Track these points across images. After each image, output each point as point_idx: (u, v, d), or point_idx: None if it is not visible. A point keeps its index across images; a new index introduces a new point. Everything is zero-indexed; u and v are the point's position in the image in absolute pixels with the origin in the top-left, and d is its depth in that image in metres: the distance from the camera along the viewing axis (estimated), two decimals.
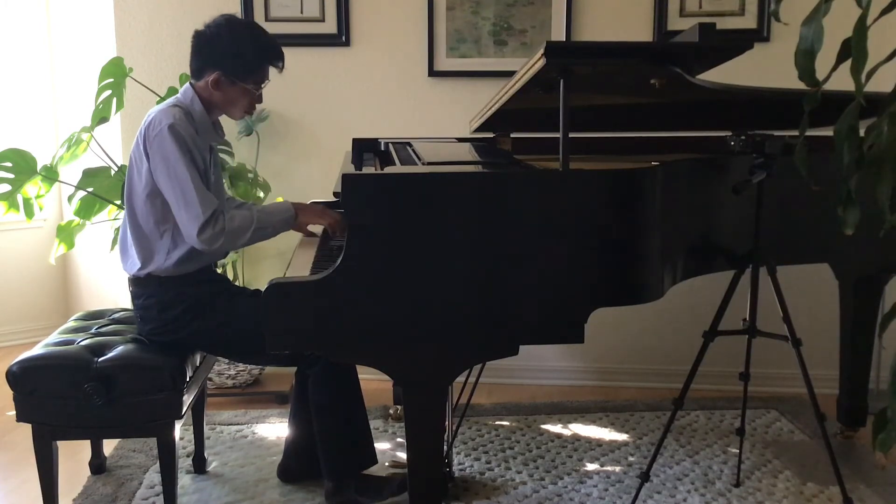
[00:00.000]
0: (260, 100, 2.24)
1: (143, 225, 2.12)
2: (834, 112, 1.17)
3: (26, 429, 2.04)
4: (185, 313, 2.12)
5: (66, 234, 3.14)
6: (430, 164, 1.94)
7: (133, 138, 3.39)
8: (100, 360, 2.04)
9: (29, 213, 3.06)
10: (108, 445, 2.68)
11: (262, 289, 1.69)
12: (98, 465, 2.53)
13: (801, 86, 1.14)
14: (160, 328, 2.14)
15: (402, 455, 2.59)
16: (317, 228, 2.48)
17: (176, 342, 2.14)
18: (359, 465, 2.27)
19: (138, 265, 2.14)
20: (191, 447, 2.60)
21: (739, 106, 2.31)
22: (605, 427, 2.92)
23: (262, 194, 3.21)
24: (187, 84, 2.20)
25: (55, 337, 2.22)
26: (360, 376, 2.28)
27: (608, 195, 1.75)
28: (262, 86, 2.21)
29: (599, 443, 2.77)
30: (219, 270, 2.61)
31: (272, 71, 2.21)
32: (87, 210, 3.06)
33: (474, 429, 2.88)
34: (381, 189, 1.68)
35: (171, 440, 2.06)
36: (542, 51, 1.66)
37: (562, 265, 1.71)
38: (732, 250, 2.17)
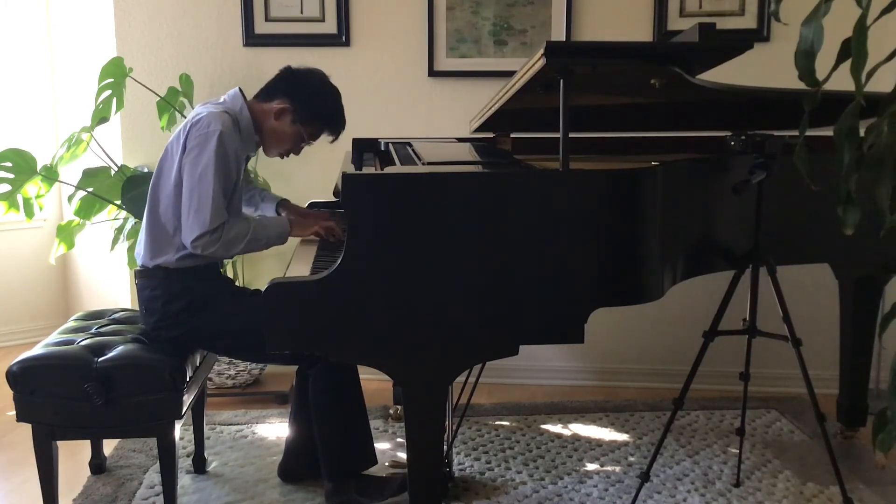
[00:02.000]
0: (298, 151, 2.32)
1: (162, 215, 2.14)
2: (834, 112, 1.17)
3: (26, 429, 2.04)
4: (189, 307, 2.13)
5: (66, 234, 3.15)
6: (430, 164, 1.94)
7: (133, 138, 3.41)
8: (100, 360, 2.04)
9: (29, 213, 3.06)
10: (108, 445, 2.68)
11: (262, 289, 1.69)
12: (98, 465, 2.53)
13: (801, 86, 1.14)
14: (164, 321, 2.15)
15: (402, 455, 2.59)
16: None
17: (177, 339, 2.15)
18: (359, 466, 2.27)
19: (149, 256, 2.16)
20: (191, 447, 2.60)
21: (739, 106, 2.31)
22: (605, 427, 2.92)
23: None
24: (236, 91, 2.23)
25: (55, 337, 2.21)
26: (360, 376, 2.28)
27: (608, 195, 1.75)
28: (311, 142, 2.29)
29: (599, 443, 2.77)
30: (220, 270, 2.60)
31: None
32: (87, 210, 3.07)
33: (474, 429, 2.88)
34: (381, 189, 1.68)
35: (171, 440, 2.06)
36: (542, 51, 1.66)
37: (562, 265, 1.71)
38: (732, 250, 2.17)
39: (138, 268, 2.21)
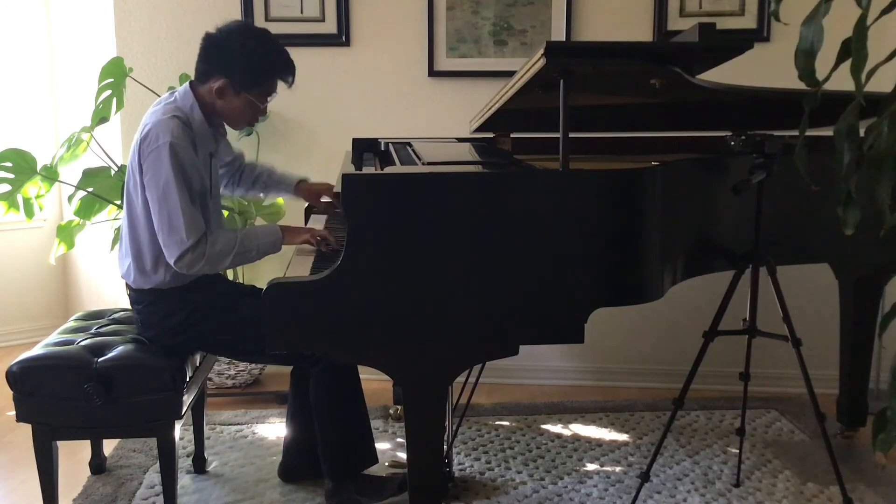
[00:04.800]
0: (264, 113, 2.18)
1: (142, 239, 2.08)
2: (834, 112, 1.17)
3: (26, 429, 2.04)
4: (188, 319, 2.11)
5: (66, 234, 3.15)
6: (430, 164, 1.94)
7: (133, 138, 3.40)
8: (100, 360, 2.04)
9: (29, 213, 3.06)
10: (108, 445, 2.68)
11: (262, 287, 1.69)
12: (98, 465, 2.53)
13: (801, 86, 1.14)
14: (162, 334, 2.13)
15: (402, 455, 2.59)
16: (321, 218, 2.48)
17: (177, 344, 2.14)
18: (359, 465, 2.27)
19: (140, 280, 2.11)
20: (191, 447, 2.60)
21: (739, 106, 2.31)
22: (605, 427, 2.91)
23: (262, 194, 3.20)
24: (187, 86, 2.13)
25: (55, 337, 2.21)
26: (360, 376, 2.28)
27: (608, 195, 1.75)
28: (269, 99, 2.15)
29: (599, 443, 2.77)
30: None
31: (281, 85, 2.14)
32: (87, 210, 3.06)
33: (474, 429, 2.88)
34: (381, 189, 1.68)
35: (171, 440, 2.06)
36: (542, 51, 1.66)
37: (562, 265, 1.71)
38: (732, 250, 2.17)
39: (130, 285, 2.16)
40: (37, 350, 2.11)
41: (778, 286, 2.10)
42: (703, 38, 1.80)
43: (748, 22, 3.17)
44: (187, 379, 2.10)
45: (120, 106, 3.05)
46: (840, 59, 1.06)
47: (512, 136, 2.77)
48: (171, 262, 1.99)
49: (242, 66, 2.06)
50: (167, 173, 1.96)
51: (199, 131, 2.10)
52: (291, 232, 2.15)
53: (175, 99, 2.12)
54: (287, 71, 2.13)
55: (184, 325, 2.12)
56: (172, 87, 3.07)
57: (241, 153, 2.50)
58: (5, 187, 2.98)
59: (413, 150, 2.35)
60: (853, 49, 1.02)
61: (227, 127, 2.26)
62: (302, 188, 2.48)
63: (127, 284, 2.18)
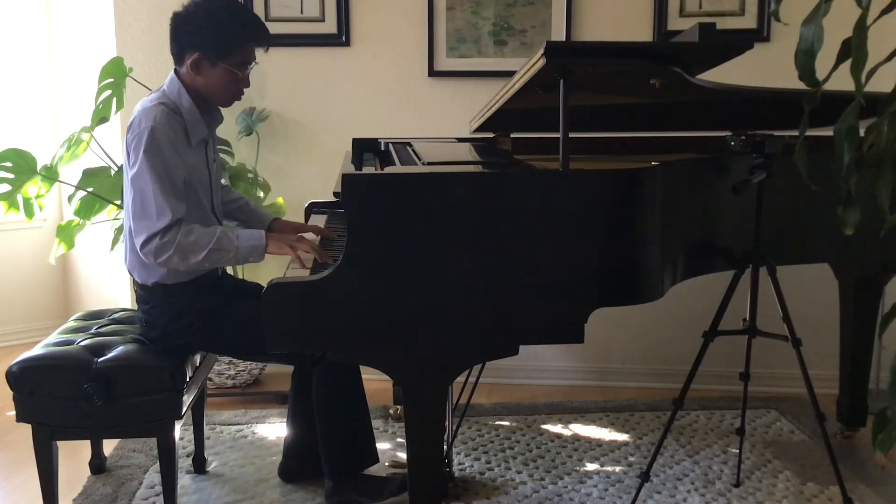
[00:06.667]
0: (247, 83, 2.12)
1: None
2: (834, 112, 1.17)
3: (26, 429, 2.04)
4: (193, 323, 2.11)
5: (66, 234, 3.15)
6: (430, 164, 1.93)
7: None
8: (100, 360, 2.04)
9: (29, 213, 3.06)
10: (108, 445, 2.68)
11: (263, 287, 1.69)
12: (98, 465, 2.53)
13: (801, 86, 1.14)
14: (166, 335, 2.13)
15: (402, 455, 2.59)
16: (321, 218, 2.47)
17: (180, 345, 2.13)
18: (360, 465, 2.27)
19: (144, 275, 2.11)
20: (191, 447, 2.60)
21: (739, 106, 2.31)
22: (605, 427, 2.91)
23: (262, 194, 3.21)
24: (172, 73, 2.10)
25: (55, 337, 2.21)
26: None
27: (608, 195, 1.75)
28: (249, 68, 2.10)
29: (599, 443, 2.77)
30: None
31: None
32: (87, 210, 3.06)
33: (474, 429, 2.88)
34: (381, 189, 1.68)
35: (171, 440, 2.06)
36: (542, 51, 1.66)
37: (562, 265, 1.71)
38: (732, 250, 2.17)
39: (136, 281, 2.16)
40: (37, 350, 2.11)
41: (778, 286, 2.10)
42: (703, 38, 1.80)
43: (748, 22, 3.17)
44: (187, 379, 2.10)
45: (120, 106, 3.05)
46: (840, 59, 1.06)
47: (512, 136, 2.77)
48: (139, 247, 1.95)
49: (212, 36, 2.02)
50: (143, 157, 1.95)
51: (190, 117, 2.07)
52: (276, 242, 2.01)
53: (163, 89, 2.10)
54: (258, 34, 2.08)
55: (189, 328, 2.11)
56: None
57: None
58: (5, 187, 2.98)
59: (413, 150, 2.35)
60: (853, 49, 1.02)
61: (225, 130, 2.23)
62: (277, 226, 2.36)
63: (133, 280, 2.18)
